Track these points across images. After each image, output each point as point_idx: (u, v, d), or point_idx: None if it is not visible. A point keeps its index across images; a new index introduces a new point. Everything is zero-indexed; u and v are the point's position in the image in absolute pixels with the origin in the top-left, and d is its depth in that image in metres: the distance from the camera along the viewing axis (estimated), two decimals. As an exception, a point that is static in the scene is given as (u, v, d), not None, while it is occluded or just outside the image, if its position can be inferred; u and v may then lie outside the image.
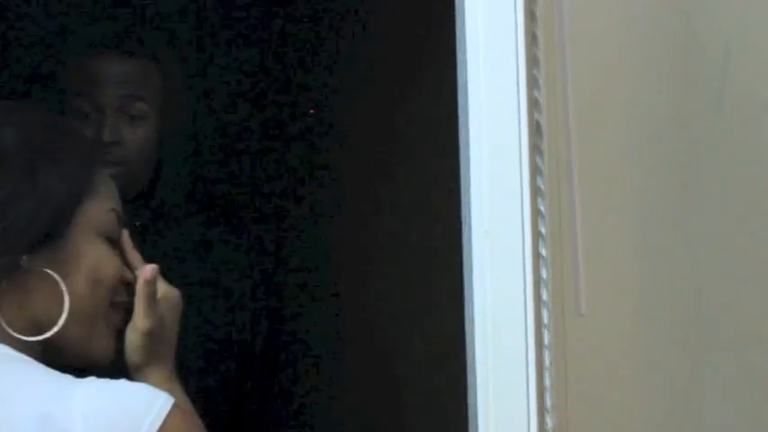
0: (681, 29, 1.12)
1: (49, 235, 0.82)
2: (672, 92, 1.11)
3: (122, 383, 0.79)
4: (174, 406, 0.77)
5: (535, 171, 0.87)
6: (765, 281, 1.13)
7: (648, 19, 1.10)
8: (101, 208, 0.87)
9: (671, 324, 1.12)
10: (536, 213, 0.86)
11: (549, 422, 0.86)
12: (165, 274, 0.91)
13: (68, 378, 0.79)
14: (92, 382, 0.78)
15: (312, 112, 1.38)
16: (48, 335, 0.82)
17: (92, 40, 1.45)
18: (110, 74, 1.41)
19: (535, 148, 0.87)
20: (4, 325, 0.81)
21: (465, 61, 0.86)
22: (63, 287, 0.82)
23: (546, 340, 0.88)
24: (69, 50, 1.50)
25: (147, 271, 0.88)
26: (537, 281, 0.85)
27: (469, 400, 0.86)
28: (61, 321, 0.82)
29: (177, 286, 0.93)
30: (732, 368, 1.12)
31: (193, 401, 0.88)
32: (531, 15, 0.86)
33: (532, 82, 0.86)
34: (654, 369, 1.11)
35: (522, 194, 0.84)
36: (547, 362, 0.88)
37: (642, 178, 1.10)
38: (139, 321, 0.88)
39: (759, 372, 1.13)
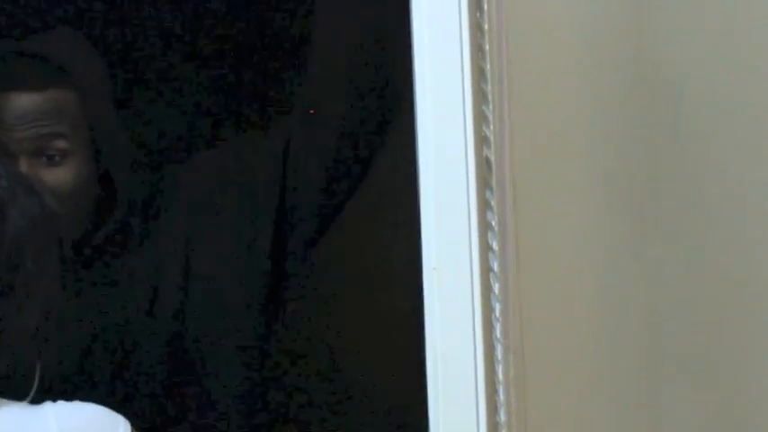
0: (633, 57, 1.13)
1: None
2: (625, 119, 1.13)
3: (86, 404, 0.85)
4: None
5: (484, 205, 0.87)
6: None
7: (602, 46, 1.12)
8: None
9: (626, 354, 1.12)
10: (486, 249, 0.86)
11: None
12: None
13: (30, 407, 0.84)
14: (59, 404, 0.84)
15: (312, 112, 1.33)
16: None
17: None
18: (14, 114, 1.22)
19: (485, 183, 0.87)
20: None
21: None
22: None
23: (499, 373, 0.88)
24: None
25: None
26: (487, 316, 0.85)
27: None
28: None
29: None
30: (689, 390, 1.13)
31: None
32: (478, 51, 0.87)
33: (480, 117, 0.86)
34: (611, 400, 1.11)
35: (470, 230, 0.84)
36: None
37: (597, 212, 1.10)
38: None
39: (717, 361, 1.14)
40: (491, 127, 0.87)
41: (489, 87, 0.87)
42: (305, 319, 1.77)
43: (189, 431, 1.32)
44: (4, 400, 0.84)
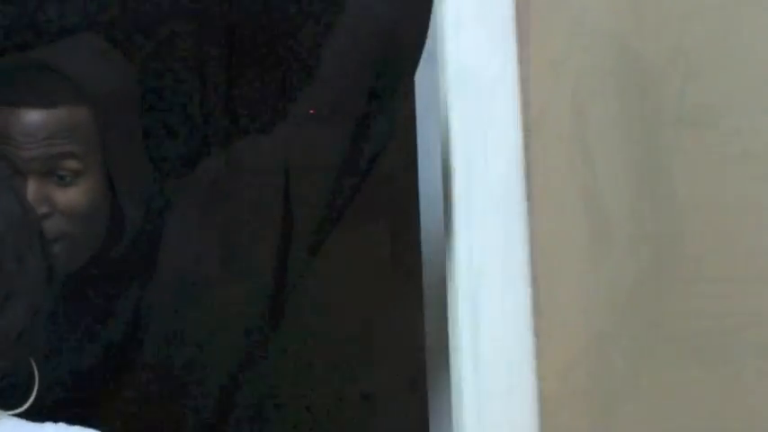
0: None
1: None
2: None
3: (88, 430, 0.84)
4: None
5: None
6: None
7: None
8: None
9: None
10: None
11: None
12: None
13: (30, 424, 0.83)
14: (60, 427, 0.84)
15: (312, 112, 1.29)
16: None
17: None
18: (22, 132, 1.15)
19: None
20: None
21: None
22: None
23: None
24: None
25: None
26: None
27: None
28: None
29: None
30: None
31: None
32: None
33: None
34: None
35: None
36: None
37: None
38: None
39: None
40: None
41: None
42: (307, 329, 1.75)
43: None
44: (4, 415, 0.83)
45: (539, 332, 1.06)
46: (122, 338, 1.23)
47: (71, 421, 0.85)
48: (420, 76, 1.25)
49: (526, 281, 1.06)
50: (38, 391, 1.08)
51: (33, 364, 0.86)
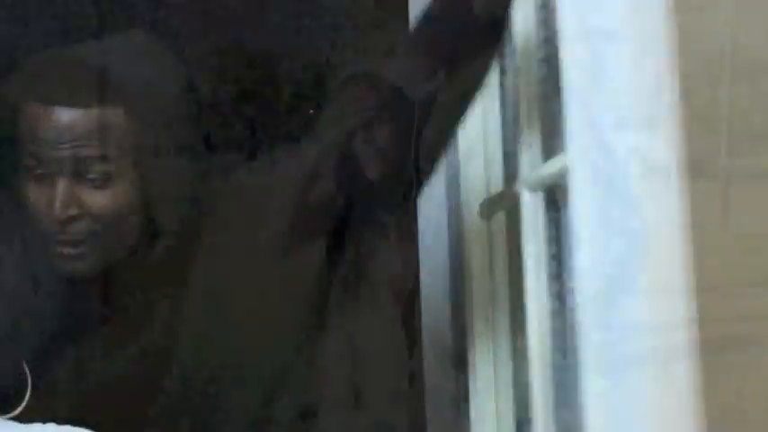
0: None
1: None
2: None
3: (77, 429, 0.84)
4: None
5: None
6: None
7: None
8: None
9: None
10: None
11: None
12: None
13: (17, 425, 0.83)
14: (48, 426, 0.83)
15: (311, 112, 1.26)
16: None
17: (26, 88, 1.14)
18: (54, 132, 1.12)
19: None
20: None
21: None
22: None
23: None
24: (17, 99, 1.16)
25: None
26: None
27: None
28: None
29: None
30: None
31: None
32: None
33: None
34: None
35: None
36: None
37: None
38: None
39: None
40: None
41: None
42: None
43: None
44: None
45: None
46: (154, 347, 1.21)
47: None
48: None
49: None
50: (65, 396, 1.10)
51: (26, 369, 0.84)
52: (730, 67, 0.94)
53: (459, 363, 1.27)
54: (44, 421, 0.83)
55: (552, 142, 1.01)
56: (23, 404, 0.83)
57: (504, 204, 1.19)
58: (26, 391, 0.84)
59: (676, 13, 0.72)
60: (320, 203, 1.20)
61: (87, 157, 1.12)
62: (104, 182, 1.12)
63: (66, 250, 1.11)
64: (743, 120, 0.97)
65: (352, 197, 1.20)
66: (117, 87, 1.13)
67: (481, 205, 1.24)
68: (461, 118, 1.16)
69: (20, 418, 0.83)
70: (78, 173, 1.12)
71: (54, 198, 1.10)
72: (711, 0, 0.94)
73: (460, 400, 1.27)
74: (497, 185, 1.23)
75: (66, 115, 1.12)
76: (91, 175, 1.12)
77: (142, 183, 1.15)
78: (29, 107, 1.13)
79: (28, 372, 0.84)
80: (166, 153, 1.18)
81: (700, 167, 0.90)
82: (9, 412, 0.83)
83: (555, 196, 1.01)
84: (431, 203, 1.30)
